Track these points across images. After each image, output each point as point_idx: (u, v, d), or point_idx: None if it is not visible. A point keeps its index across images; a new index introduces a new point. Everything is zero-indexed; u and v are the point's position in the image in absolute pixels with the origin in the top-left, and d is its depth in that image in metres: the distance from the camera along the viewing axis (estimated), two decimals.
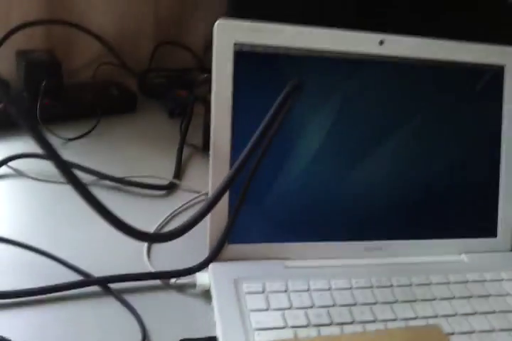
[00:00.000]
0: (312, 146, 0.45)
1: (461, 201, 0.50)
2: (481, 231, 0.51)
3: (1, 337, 0.35)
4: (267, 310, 0.39)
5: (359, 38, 0.45)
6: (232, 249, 0.44)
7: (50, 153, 0.25)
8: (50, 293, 0.39)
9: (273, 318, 0.39)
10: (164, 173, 0.56)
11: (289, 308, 0.40)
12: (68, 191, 0.49)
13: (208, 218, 0.43)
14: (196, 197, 0.54)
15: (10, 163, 0.53)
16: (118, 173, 0.55)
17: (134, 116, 0.69)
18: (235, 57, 0.42)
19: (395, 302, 0.42)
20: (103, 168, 0.54)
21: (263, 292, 0.41)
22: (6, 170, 0.53)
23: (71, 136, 0.60)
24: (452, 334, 0.40)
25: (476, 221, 0.50)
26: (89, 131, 0.61)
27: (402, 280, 0.45)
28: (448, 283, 0.46)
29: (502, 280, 0.47)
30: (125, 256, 0.44)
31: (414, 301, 0.43)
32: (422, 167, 0.48)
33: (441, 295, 0.44)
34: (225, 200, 0.43)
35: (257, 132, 0.37)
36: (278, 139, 0.43)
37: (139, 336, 0.36)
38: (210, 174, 0.42)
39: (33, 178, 0.53)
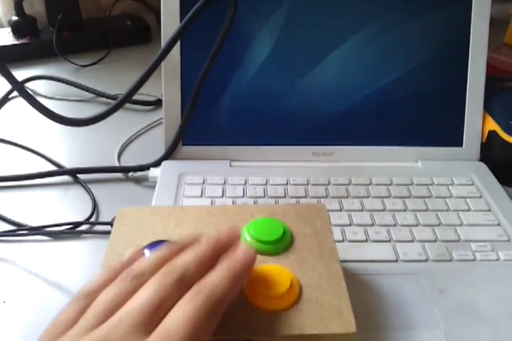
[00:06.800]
0: (262, 55, 0.48)
1: (421, 108, 0.49)
2: (444, 140, 0.50)
3: None
4: (200, 197, 0.44)
5: None
6: (185, 149, 0.49)
7: None
8: (31, 179, 0.48)
9: (203, 202, 0.44)
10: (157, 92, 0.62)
11: (221, 197, 0.45)
12: (74, 106, 0.58)
13: (163, 122, 0.49)
14: None
15: (28, 84, 0.63)
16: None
17: (147, 47, 0.75)
18: None
19: (325, 197, 0.45)
20: (109, 90, 0.62)
21: (203, 184, 0.46)
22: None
23: (86, 63, 0.69)
24: (372, 225, 0.42)
25: (438, 129, 0.50)
26: (101, 59, 0.69)
27: (340, 180, 0.47)
28: (390, 184, 0.47)
29: (452, 184, 0.47)
30: (100, 156, 0.52)
31: (346, 197, 0.45)
32: (378, 73, 0.48)
33: (376, 194, 0.45)
34: (177, 105, 0.48)
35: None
36: (228, 48, 0.46)
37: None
38: (163, 80, 0.48)
39: (46, 97, 0.62)
